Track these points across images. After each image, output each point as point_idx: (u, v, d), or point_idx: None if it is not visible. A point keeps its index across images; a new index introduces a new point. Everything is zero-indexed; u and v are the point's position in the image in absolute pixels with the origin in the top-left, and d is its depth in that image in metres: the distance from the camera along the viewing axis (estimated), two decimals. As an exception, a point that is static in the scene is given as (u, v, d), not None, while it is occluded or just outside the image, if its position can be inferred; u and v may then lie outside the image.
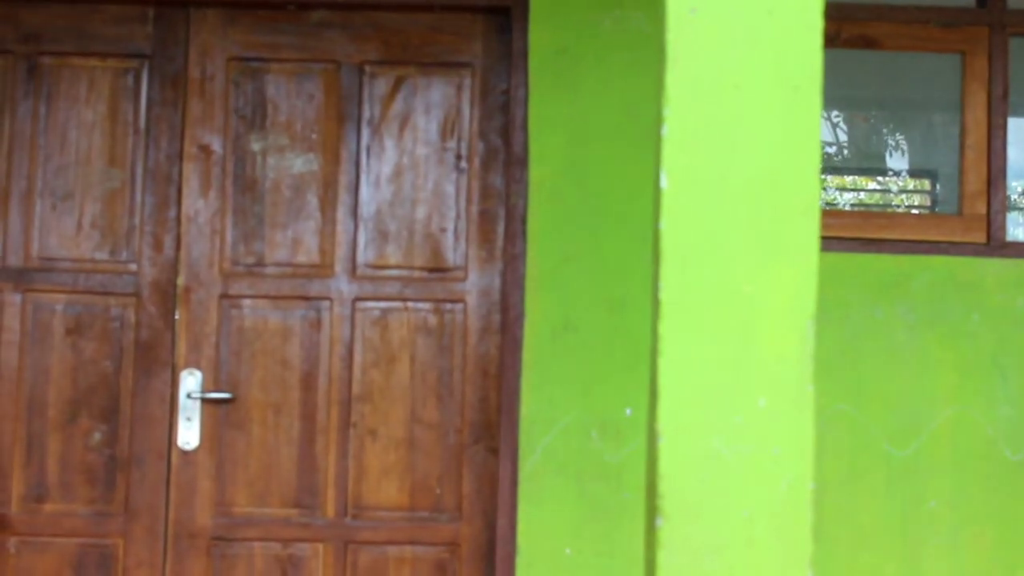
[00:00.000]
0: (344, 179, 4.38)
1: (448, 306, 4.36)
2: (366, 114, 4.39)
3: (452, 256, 4.37)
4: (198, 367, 4.31)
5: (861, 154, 6.98)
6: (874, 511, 4.27)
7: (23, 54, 4.38)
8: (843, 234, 4.34)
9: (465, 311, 4.36)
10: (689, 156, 1.98)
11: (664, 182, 1.98)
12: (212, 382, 4.32)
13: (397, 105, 4.40)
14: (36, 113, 4.36)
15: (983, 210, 4.41)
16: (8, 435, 4.30)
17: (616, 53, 4.27)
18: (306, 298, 4.36)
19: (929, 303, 4.32)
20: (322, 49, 4.39)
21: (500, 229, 4.36)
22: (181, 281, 4.33)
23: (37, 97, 4.37)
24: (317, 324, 4.35)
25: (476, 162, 4.37)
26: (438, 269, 4.37)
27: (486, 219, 4.37)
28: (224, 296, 4.34)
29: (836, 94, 4.94)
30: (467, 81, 4.41)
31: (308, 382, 4.34)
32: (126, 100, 4.38)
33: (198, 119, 4.37)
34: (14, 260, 4.34)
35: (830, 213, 4.47)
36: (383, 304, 4.36)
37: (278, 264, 4.36)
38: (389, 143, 4.39)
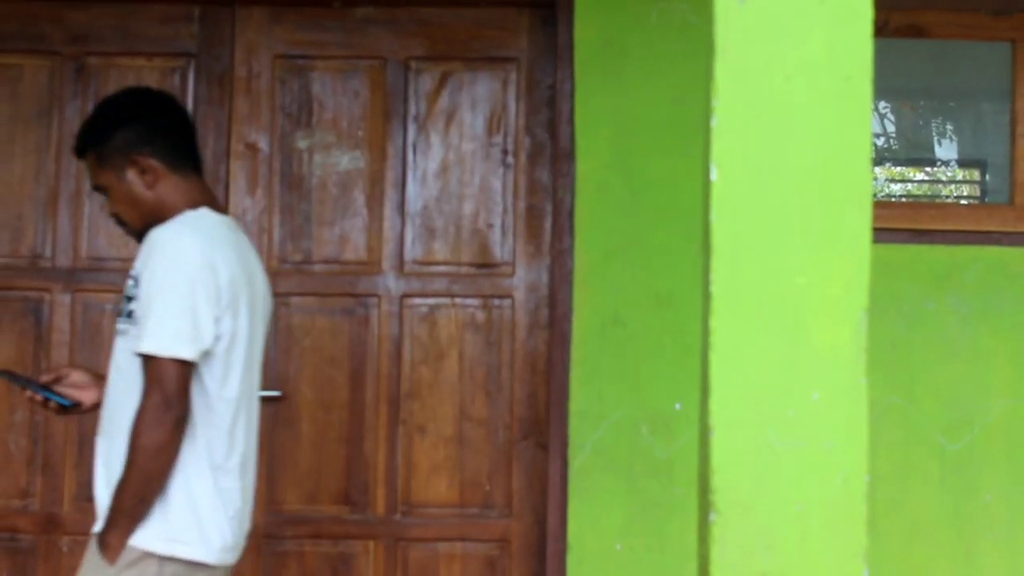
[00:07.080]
0: (391, 176, 4.37)
1: (496, 302, 4.35)
2: (412, 110, 4.38)
3: (499, 252, 4.35)
4: (247, 365, 4.31)
5: (910, 144, 6.93)
6: (927, 505, 4.23)
7: (70, 55, 4.39)
8: (893, 225, 4.29)
9: (513, 307, 4.34)
10: (739, 147, 1.96)
11: (714, 174, 1.96)
12: (261, 380, 4.31)
13: (443, 101, 4.38)
14: (84, 113, 4.36)
15: (1035, 200, 4.35)
16: (59, 435, 4.32)
17: (662, 45, 4.24)
18: (354, 295, 4.35)
19: (981, 294, 4.26)
20: (367, 46, 4.39)
21: (547, 224, 4.34)
22: (229, 279, 4.32)
23: (85, 97, 4.38)
24: (365, 321, 4.34)
25: (522, 157, 4.35)
26: (486, 265, 4.35)
27: (533, 214, 4.35)
28: (272, 294, 4.33)
29: (885, 84, 4.89)
30: (513, 76, 4.39)
31: (357, 379, 4.33)
32: (173, 99, 4.39)
33: (244, 117, 4.37)
34: (63, 260, 4.35)
35: (880, 204, 4.41)
36: (431, 300, 4.35)
37: (326, 261, 4.36)
38: (435, 139, 4.38)
